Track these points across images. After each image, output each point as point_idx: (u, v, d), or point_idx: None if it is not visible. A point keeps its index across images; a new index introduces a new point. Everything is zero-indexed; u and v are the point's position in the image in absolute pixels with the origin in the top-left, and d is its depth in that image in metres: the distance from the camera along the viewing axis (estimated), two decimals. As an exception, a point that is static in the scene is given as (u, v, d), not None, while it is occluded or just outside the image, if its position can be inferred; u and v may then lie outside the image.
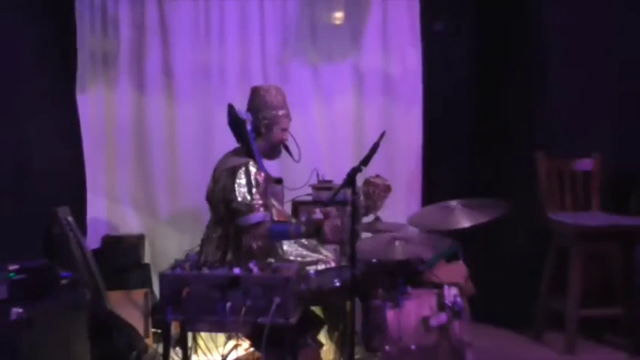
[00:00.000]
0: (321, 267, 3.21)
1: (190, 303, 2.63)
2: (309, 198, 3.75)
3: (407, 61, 4.47)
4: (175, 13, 4.47)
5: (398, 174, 4.33)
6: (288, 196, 3.65)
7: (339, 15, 4.50)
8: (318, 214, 3.13)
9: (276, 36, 4.47)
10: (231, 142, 3.40)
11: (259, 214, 3.12)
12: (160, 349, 2.83)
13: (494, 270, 4.09)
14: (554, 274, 3.95)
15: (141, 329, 3.62)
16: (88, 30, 4.49)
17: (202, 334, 3.17)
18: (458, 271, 3.44)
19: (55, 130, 4.24)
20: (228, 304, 2.59)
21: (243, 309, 2.58)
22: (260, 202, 3.14)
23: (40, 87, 4.09)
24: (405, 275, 3.18)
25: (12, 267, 2.63)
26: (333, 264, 3.27)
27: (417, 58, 4.46)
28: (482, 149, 4.43)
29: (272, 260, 2.92)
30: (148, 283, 4.13)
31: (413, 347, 3.01)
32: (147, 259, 4.44)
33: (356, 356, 3.00)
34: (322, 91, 4.50)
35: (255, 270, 2.69)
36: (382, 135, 2.89)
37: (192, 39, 4.49)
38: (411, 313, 3.06)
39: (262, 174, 3.21)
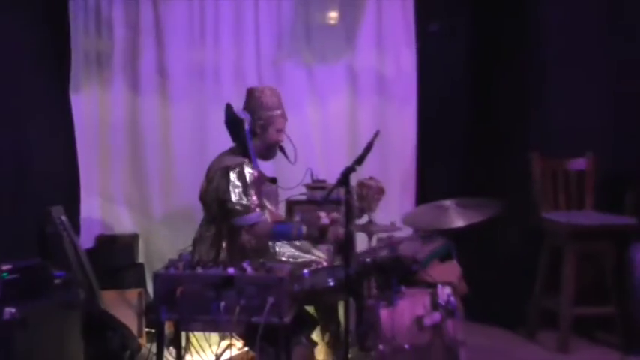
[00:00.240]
0: (313, 268, 3.22)
1: (184, 302, 2.63)
2: (303, 197, 3.75)
3: (401, 61, 4.48)
4: (170, 13, 4.48)
5: (392, 174, 4.35)
6: (282, 195, 3.65)
7: (333, 15, 4.51)
8: (324, 219, 3.15)
9: (271, 36, 4.48)
10: (225, 142, 3.40)
11: (255, 214, 3.14)
12: (154, 348, 2.82)
13: (488, 269, 4.10)
14: (547, 273, 3.96)
15: (135, 329, 3.61)
16: (82, 31, 4.50)
17: (196, 333, 3.18)
18: (451, 270, 3.46)
19: (50, 130, 4.25)
20: (222, 304, 2.58)
21: (237, 308, 2.57)
22: (256, 202, 3.15)
23: (36, 87, 4.10)
24: (399, 274, 3.18)
25: (5, 266, 2.64)
26: (325, 264, 3.28)
27: (412, 58, 4.47)
28: (477, 149, 4.44)
29: (263, 260, 2.93)
30: (142, 283, 4.13)
31: (406, 346, 3.01)
32: (141, 259, 4.45)
33: (349, 355, 3.00)
34: (316, 91, 4.51)
35: (249, 270, 2.69)
36: (376, 135, 2.90)
37: (187, 39, 4.50)
38: (405, 312, 3.06)
39: (257, 174, 3.22)
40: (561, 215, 3.95)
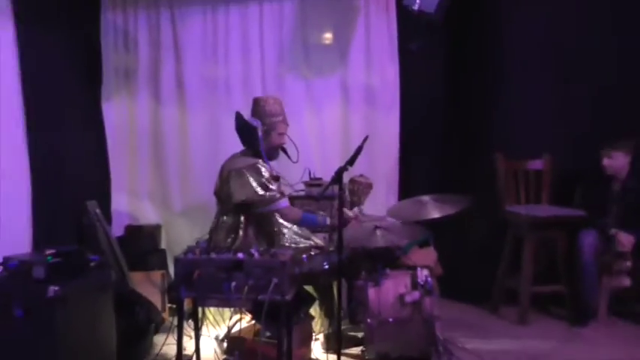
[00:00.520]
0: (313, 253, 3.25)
1: (200, 283, 2.62)
2: (302, 193, 3.76)
3: (386, 75, 4.45)
4: (186, 34, 4.46)
5: (378, 172, 4.31)
6: (285, 191, 3.67)
7: (328, 36, 4.48)
8: (350, 213, 3.23)
9: (274, 53, 4.45)
10: (234, 144, 3.41)
11: (284, 200, 3.18)
12: (175, 321, 2.84)
13: (460, 254, 4.11)
14: (509, 257, 3.97)
15: (159, 305, 3.63)
16: (112, 49, 4.49)
17: (211, 309, 3.21)
18: (429, 255, 3.48)
19: (85, 135, 4.25)
20: (233, 284, 2.58)
21: (246, 288, 2.58)
22: (279, 191, 3.17)
23: (73, 97, 4.11)
24: (384, 259, 3.21)
25: (49, 252, 2.63)
26: (323, 250, 3.30)
27: (395, 73, 4.44)
28: (450, 151, 4.42)
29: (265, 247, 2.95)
30: (164, 266, 4.14)
31: (390, 320, 3.04)
32: (163, 245, 4.44)
33: (342, 327, 3.03)
34: (313, 101, 4.49)
35: (256, 255, 2.69)
36: (365, 139, 2.92)
37: (201, 56, 4.48)
38: (389, 291, 3.09)
39: (269, 170, 3.23)
40: (522, 208, 3.98)
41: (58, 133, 3.86)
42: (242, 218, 3.23)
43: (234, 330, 3.27)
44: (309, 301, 3.30)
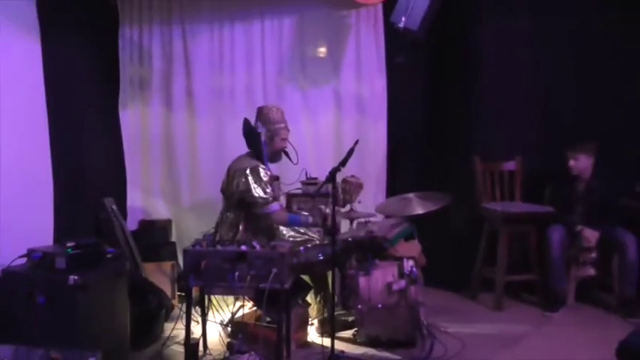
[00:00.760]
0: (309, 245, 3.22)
1: (207, 272, 2.62)
2: (300, 191, 3.74)
3: (375, 86, 4.42)
4: (196, 47, 4.43)
5: (368, 173, 4.29)
6: (284, 189, 3.66)
7: (322, 50, 4.47)
8: (325, 209, 3.27)
9: (274, 66, 4.42)
10: (239, 147, 3.40)
11: (274, 205, 3.15)
12: (184, 308, 2.82)
13: (441, 246, 4.07)
14: (486, 249, 3.96)
15: (169, 292, 3.60)
16: (128, 60, 4.44)
17: (216, 296, 3.17)
18: (414, 247, 3.46)
19: (103, 138, 4.24)
20: (237, 274, 2.58)
21: (248, 277, 2.58)
22: (273, 195, 3.16)
23: (93, 104, 4.10)
24: (373, 251, 3.19)
25: (69, 244, 2.60)
26: (317, 242, 3.28)
27: (383, 84, 4.41)
28: (433, 154, 4.40)
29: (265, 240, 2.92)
30: (174, 257, 4.10)
31: (379, 306, 3.03)
32: (173, 238, 4.40)
33: (335, 313, 3.01)
34: (309, 109, 4.45)
35: (258, 247, 2.68)
36: (356, 143, 2.91)
37: (209, 68, 4.45)
38: (378, 279, 3.08)
39: (269, 173, 3.22)
40: (497, 205, 3.96)
41: (78, 135, 3.85)
42: (242, 214, 3.20)
43: (237, 315, 3.24)
44: (305, 289, 3.30)
